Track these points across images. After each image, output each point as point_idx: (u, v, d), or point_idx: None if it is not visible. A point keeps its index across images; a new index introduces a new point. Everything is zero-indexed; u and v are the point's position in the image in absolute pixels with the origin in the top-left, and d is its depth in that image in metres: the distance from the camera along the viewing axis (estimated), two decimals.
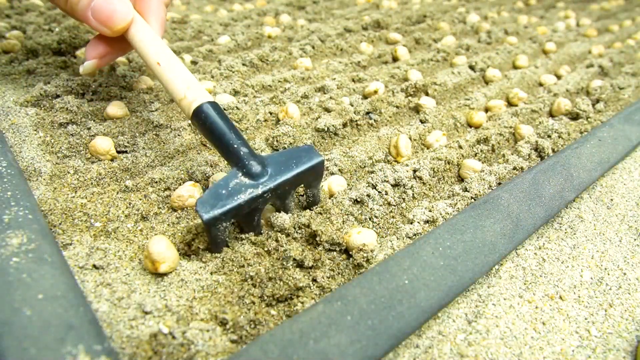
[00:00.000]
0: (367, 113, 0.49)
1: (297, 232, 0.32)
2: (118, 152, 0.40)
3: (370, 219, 0.36)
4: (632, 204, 0.41)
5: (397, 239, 0.34)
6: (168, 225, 0.34)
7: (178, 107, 0.34)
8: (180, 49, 0.59)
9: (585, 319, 0.30)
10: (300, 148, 0.32)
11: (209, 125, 0.31)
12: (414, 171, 0.40)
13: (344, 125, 0.46)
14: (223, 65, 0.55)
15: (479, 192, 0.37)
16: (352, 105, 0.49)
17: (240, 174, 0.29)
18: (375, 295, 0.26)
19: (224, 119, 0.31)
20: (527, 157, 0.43)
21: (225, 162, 0.40)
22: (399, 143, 0.42)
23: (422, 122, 0.49)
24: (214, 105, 0.32)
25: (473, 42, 0.71)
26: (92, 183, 0.36)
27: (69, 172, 0.37)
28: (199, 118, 0.31)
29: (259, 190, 0.29)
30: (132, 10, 0.36)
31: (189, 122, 0.43)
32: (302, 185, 0.33)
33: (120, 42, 0.38)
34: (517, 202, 0.34)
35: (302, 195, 0.35)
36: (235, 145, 0.30)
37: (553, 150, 0.44)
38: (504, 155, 0.43)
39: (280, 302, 0.28)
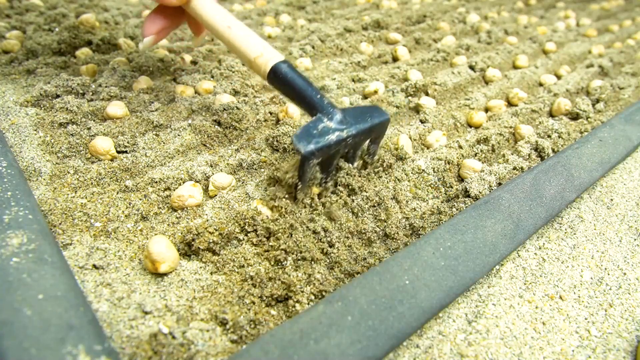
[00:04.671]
0: None
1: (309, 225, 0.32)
2: (118, 152, 0.40)
3: None
4: (632, 204, 0.41)
5: None
6: (168, 225, 0.34)
7: (249, 66, 0.36)
8: (180, 48, 0.59)
9: (585, 319, 0.30)
10: (370, 106, 0.36)
11: (290, 79, 0.34)
12: None
13: None
14: (223, 65, 0.54)
15: (479, 192, 0.37)
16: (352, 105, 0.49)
17: (325, 119, 0.33)
18: (375, 296, 0.26)
19: (301, 75, 0.35)
20: (527, 157, 0.43)
21: (225, 161, 0.40)
22: (399, 143, 0.42)
23: (422, 122, 0.49)
24: (289, 63, 0.35)
25: (473, 42, 0.70)
26: (92, 183, 0.36)
27: (69, 172, 0.37)
28: (278, 73, 0.35)
29: (344, 134, 0.32)
30: None
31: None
32: (368, 140, 0.37)
33: (177, 15, 0.40)
34: (518, 202, 0.34)
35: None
36: (319, 96, 0.34)
37: (553, 150, 0.44)
38: (504, 155, 0.43)
39: (279, 302, 0.28)
